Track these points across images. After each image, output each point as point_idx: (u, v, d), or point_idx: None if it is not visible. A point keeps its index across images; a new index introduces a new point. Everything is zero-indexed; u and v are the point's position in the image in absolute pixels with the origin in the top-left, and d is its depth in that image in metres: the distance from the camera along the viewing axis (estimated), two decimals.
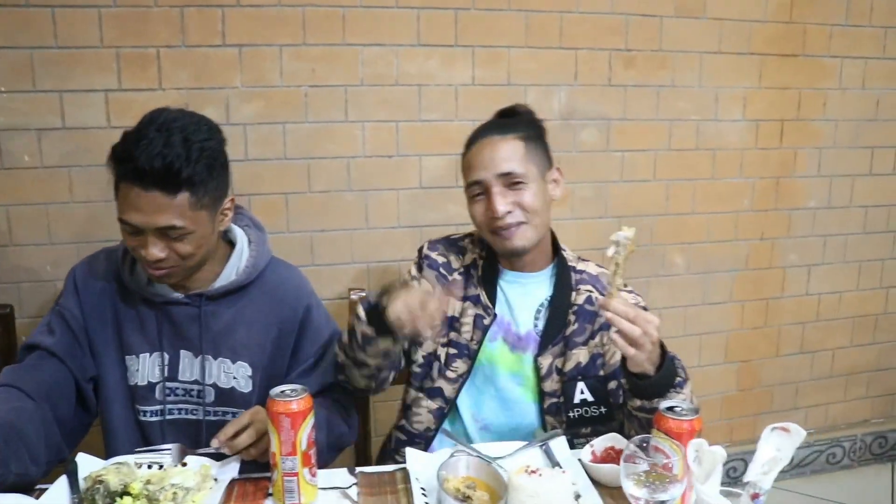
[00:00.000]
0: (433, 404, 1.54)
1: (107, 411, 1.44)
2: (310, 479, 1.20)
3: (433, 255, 1.60)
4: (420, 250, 1.63)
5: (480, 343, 1.52)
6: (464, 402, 1.55)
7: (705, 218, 2.55)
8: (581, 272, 1.57)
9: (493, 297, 1.53)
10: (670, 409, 1.13)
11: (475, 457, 1.24)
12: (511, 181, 1.45)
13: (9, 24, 2.01)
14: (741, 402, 2.78)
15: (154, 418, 1.44)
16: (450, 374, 1.53)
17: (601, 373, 1.48)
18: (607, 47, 2.31)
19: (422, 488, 1.21)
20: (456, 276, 1.57)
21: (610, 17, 2.29)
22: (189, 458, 1.29)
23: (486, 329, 1.51)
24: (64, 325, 1.41)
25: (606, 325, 1.43)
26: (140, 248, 1.30)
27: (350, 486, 1.25)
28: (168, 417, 1.44)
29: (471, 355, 1.52)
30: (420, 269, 1.59)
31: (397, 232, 2.23)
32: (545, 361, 1.49)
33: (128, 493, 1.11)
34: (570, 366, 1.48)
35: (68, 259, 1.98)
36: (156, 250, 1.29)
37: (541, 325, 1.51)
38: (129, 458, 1.27)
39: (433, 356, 1.56)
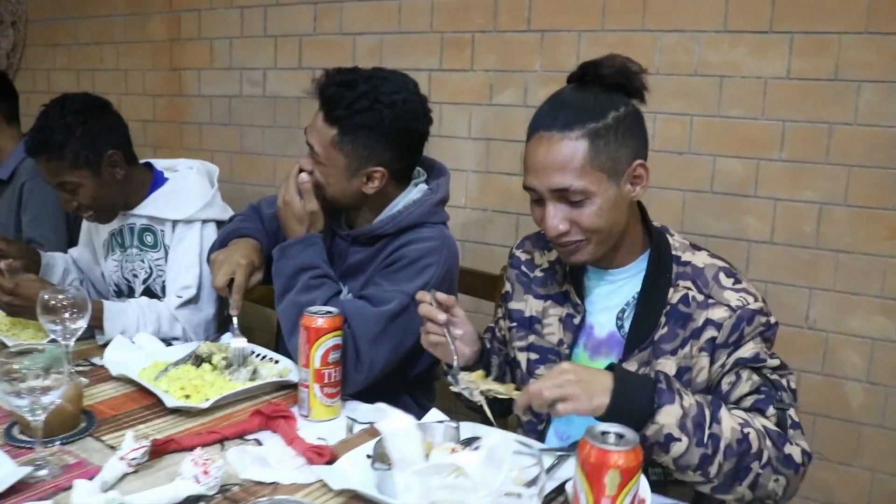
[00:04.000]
0: (524, 417, 1.47)
1: None
2: (321, 398, 1.39)
3: (518, 252, 1.55)
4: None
5: (572, 347, 1.41)
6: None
7: None
8: (685, 264, 1.34)
9: (581, 295, 1.41)
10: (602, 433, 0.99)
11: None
12: (568, 198, 1.27)
13: (365, 14, 2.54)
14: None
15: None
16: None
17: None
18: None
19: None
20: (538, 272, 1.49)
21: None
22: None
23: (576, 330, 1.40)
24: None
25: (698, 332, 1.28)
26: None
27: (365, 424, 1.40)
28: None
29: (561, 361, 1.40)
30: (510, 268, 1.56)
31: None
32: (629, 368, 1.32)
33: (208, 361, 1.56)
34: None
35: None
36: None
37: (626, 326, 1.36)
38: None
39: (513, 362, 1.51)
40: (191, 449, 1.24)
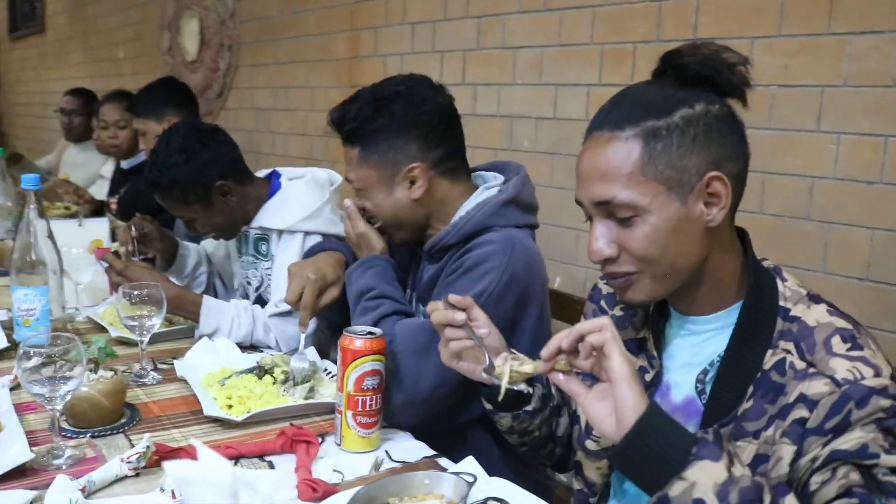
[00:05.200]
0: (576, 484, 1.26)
1: None
2: (353, 427, 1.28)
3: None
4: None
5: None
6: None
7: None
8: (794, 320, 1.04)
9: (659, 346, 1.17)
10: None
11: None
12: (614, 213, 1.03)
13: (527, 26, 2.43)
14: None
15: None
16: (590, 444, 1.21)
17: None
18: None
19: None
20: (617, 311, 1.24)
21: None
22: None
23: (648, 388, 1.14)
24: None
25: (787, 410, 0.98)
26: None
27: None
28: None
29: None
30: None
31: (855, 286, 1.82)
32: None
33: (270, 373, 1.51)
34: None
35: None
36: None
37: (708, 391, 1.08)
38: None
39: (573, 416, 1.29)
40: None
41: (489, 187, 1.58)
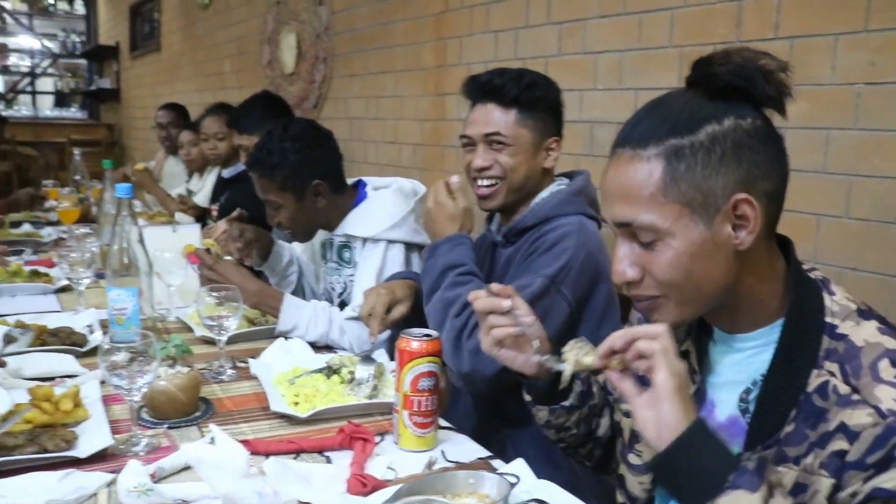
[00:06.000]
0: (619, 497, 1.25)
1: None
2: (409, 426, 1.32)
3: None
4: None
5: None
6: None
7: None
8: (841, 338, 0.98)
9: (702, 361, 1.14)
10: None
11: None
12: (637, 235, 1.01)
13: (607, 31, 2.43)
14: None
15: None
16: (633, 458, 1.20)
17: None
18: None
19: None
20: None
21: None
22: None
23: None
24: None
25: (826, 440, 0.93)
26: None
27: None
28: None
29: None
30: None
31: None
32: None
33: (338, 373, 1.58)
34: None
35: None
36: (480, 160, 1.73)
37: (752, 409, 1.04)
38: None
39: (617, 426, 1.26)
40: (265, 455, 1.28)
41: (560, 183, 1.80)
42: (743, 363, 1.07)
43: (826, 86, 1.88)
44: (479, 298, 1.21)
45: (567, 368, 1.07)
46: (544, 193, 1.74)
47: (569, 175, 1.84)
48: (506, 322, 1.19)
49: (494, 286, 1.21)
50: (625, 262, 1.03)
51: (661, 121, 1.00)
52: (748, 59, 0.99)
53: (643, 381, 0.99)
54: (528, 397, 1.28)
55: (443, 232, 1.71)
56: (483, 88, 1.73)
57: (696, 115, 0.99)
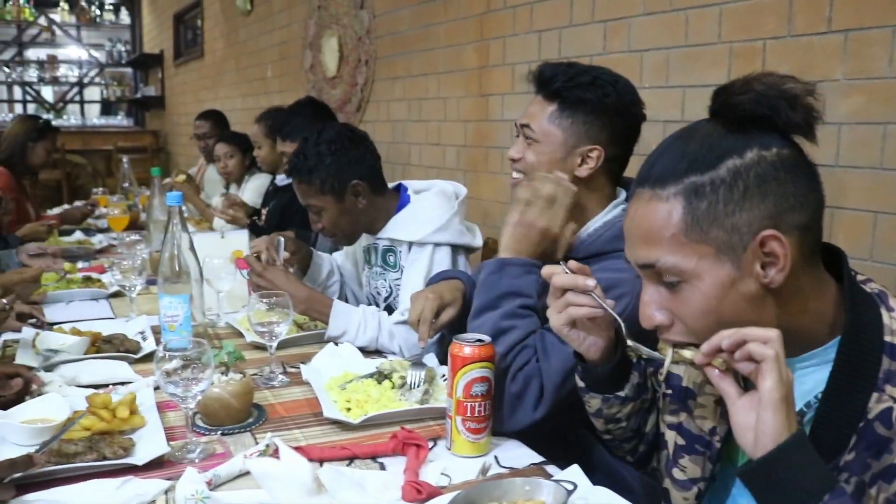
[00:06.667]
0: None
1: None
2: (463, 432, 1.32)
3: None
4: None
5: (725, 440, 1.09)
6: None
7: None
8: None
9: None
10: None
11: None
12: (662, 277, 0.98)
13: (652, 28, 2.39)
14: None
15: None
16: (677, 473, 1.17)
17: None
18: None
19: None
20: None
21: None
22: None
23: None
24: None
25: (891, 474, 0.89)
26: None
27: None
28: None
29: (710, 455, 1.12)
30: None
31: None
32: None
33: (389, 378, 1.58)
34: None
35: None
36: None
37: (807, 430, 0.98)
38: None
39: (660, 438, 1.23)
40: (319, 461, 1.28)
41: (618, 205, 1.59)
42: (798, 382, 1.01)
43: (883, 79, 1.83)
44: (559, 274, 1.15)
45: (668, 356, 1.02)
46: (599, 220, 1.56)
47: (626, 185, 1.65)
48: (586, 301, 1.13)
49: (573, 264, 1.15)
50: (652, 307, 1.01)
51: (680, 157, 0.97)
52: (770, 85, 0.95)
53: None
54: (581, 384, 1.25)
55: (523, 247, 1.52)
56: (536, 78, 1.63)
57: (716, 149, 0.95)
